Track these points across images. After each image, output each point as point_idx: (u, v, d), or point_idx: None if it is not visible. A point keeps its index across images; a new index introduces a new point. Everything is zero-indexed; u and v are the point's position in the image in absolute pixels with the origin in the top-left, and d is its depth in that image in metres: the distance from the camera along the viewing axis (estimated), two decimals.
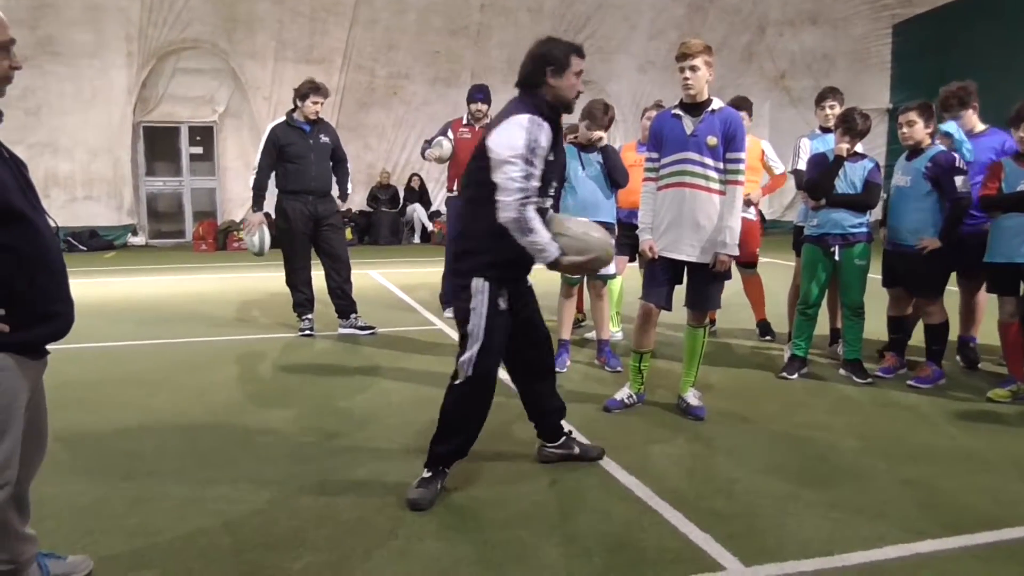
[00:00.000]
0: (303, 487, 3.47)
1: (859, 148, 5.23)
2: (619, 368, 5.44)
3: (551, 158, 3.29)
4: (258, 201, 6.60)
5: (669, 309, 4.52)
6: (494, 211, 3.18)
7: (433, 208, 16.53)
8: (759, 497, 3.36)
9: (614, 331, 6.34)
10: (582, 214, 5.32)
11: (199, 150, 16.04)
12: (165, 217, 16.33)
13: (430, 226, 16.07)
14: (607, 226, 5.43)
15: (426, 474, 3.38)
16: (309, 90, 6.55)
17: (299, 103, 6.58)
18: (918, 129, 5.09)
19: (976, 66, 14.22)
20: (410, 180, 16.43)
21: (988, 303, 5.41)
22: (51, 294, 2.31)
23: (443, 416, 3.43)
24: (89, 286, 9.59)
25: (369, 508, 3.25)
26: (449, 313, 7.38)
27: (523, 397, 3.76)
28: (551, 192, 3.40)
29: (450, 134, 7.34)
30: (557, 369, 5.28)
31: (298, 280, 6.67)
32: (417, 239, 16.21)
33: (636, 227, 5.99)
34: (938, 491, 3.44)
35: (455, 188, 7.38)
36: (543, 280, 7.82)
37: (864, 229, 5.20)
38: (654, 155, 4.45)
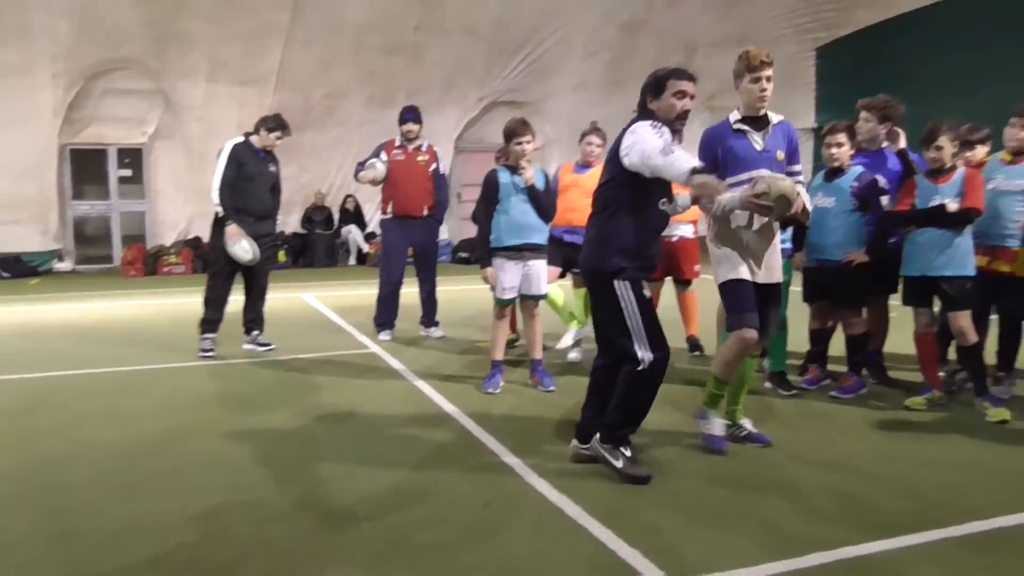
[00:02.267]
0: (237, 516, 3.42)
1: None
2: (553, 388, 5.47)
3: None
4: (230, 209, 6.49)
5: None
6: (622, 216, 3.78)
7: (369, 229, 16.45)
8: (688, 510, 3.43)
9: (574, 331, 6.42)
10: (514, 235, 5.40)
11: (128, 172, 15.70)
12: (92, 242, 15.89)
13: (366, 248, 15.98)
14: (537, 248, 5.49)
15: (627, 453, 3.81)
16: (278, 125, 6.70)
17: (263, 132, 6.64)
18: (845, 151, 5.28)
19: (895, 86, 14.76)
20: (345, 201, 16.33)
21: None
22: None
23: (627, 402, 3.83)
24: (13, 314, 9.29)
25: (303, 535, 3.22)
26: (384, 336, 7.37)
27: (592, 394, 4.08)
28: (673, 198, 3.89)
29: (383, 156, 7.36)
30: (490, 391, 5.36)
31: (217, 298, 6.65)
32: (353, 261, 16.09)
33: (571, 244, 6.14)
34: (861, 498, 3.55)
35: (389, 210, 7.38)
36: (478, 300, 7.88)
37: (786, 245, 5.35)
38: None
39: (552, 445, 4.34)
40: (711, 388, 4.32)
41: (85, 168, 15.49)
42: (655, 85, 3.85)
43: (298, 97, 16.07)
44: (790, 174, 4.14)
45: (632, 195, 3.80)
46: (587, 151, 6.29)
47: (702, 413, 4.36)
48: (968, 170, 4.96)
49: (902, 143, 5.40)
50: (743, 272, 4.14)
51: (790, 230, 5.36)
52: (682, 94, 3.78)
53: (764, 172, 3.95)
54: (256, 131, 6.69)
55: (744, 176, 4.08)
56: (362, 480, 3.82)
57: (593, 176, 6.13)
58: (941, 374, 5.31)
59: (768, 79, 4.09)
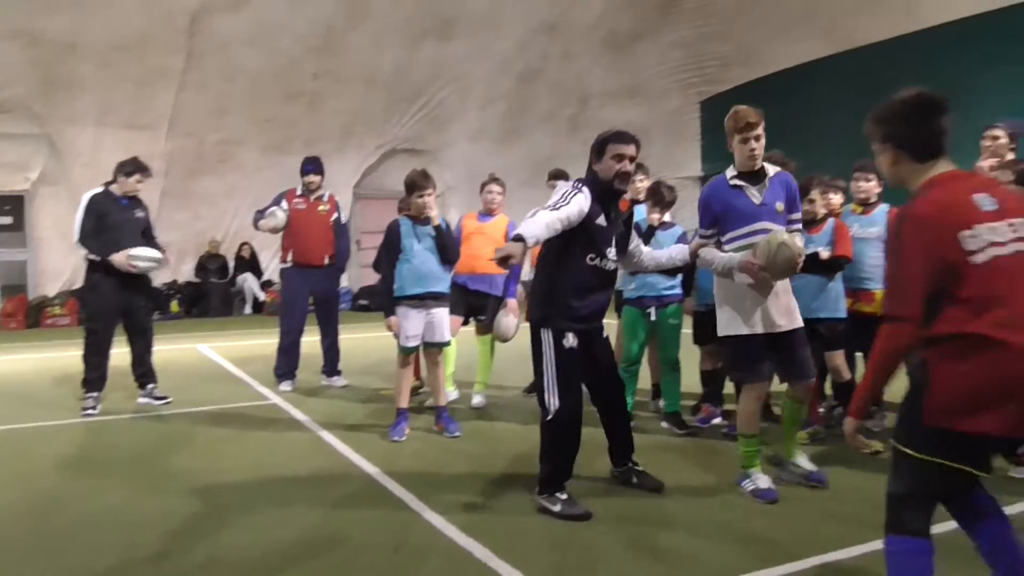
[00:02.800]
0: (142, 574, 3.36)
1: (667, 217, 5.71)
2: (458, 433, 5.56)
3: (600, 222, 4.05)
4: (103, 253, 6.33)
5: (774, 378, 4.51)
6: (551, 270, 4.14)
7: (265, 277, 16.20)
8: (591, 549, 3.57)
9: (451, 393, 6.50)
10: (417, 284, 5.51)
11: (8, 220, 15.01)
12: None
13: (262, 296, 15.72)
14: (440, 296, 5.61)
15: (563, 496, 4.01)
16: (136, 168, 6.56)
17: (122, 178, 6.51)
18: None
19: (774, 139, 15.78)
20: (240, 249, 16.04)
21: None
22: None
23: (548, 451, 4.12)
24: None
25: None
26: (286, 387, 7.30)
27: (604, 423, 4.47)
28: (608, 255, 4.14)
29: (284, 204, 7.36)
30: (396, 438, 5.42)
31: (97, 355, 6.48)
32: (249, 310, 15.77)
33: (475, 292, 6.29)
34: (751, 529, 3.78)
35: (290, 259, 7.38)
36: (380, 347, 7.88)
37: (677, 291, 5.66)
38: (710, 231, 4.34)
39: (459, 489, 4.43)
40: (741, 448, 4.37)
41: None
42: (597, 147, 4.13)
43: (191, 143, 15.81)
44: (790, 222, 4.31)
45: (556, 250, 4.10)
46: (488, 199, 6.49)
47: (740, 478, 4.37)
48: (837, 221, 5.39)
49: None
50: (745, 327, 4.21)
51: (679, 276, 5.68)
52: (620, 156, 4.05)
53: (768, 232, 4.14)
54: (114, 178, 6.55)
55: (746, 230, 4.21)
56: (271, 532, 3.81)
57: (496, 224, 6.39)
58: (820, 410, 5.68)
59: (757, 138, 4.18)
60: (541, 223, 3.77)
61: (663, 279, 5.59)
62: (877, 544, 2.65)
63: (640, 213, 6.13)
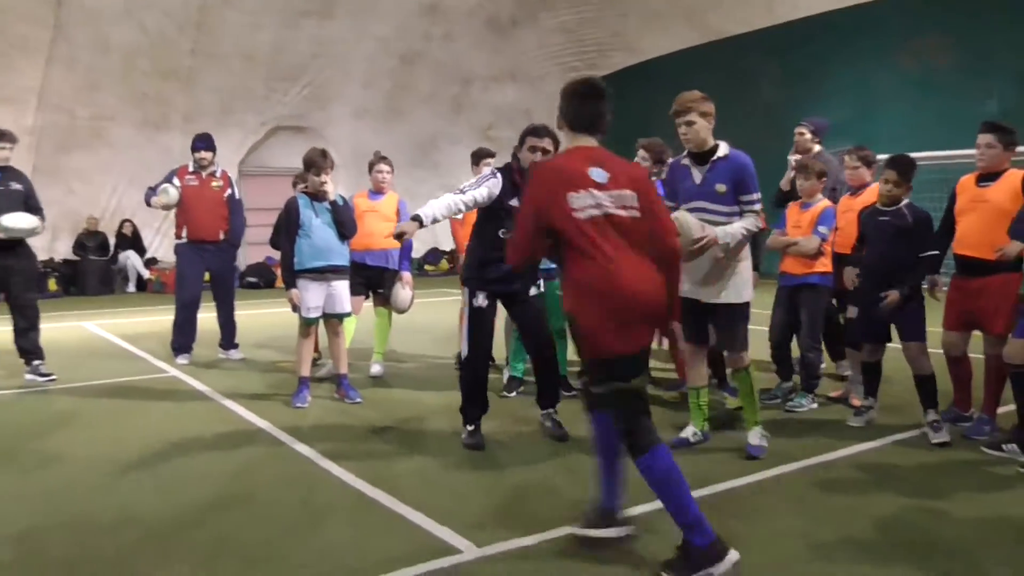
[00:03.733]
0: (55, 537, 3.53)
1: None
2: (359, 400, 5.84)
3: (513, 203, 4.53)
4: None
5: (707, 343, 4.73)
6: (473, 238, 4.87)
7: (149, 255, 15.82)
8: (480, 490, 3.96)
9: (374, 366, 6.82)
10: (317, 258, 5.75)
11: None
12: None
13: (146, 273, 15.37)
14: (339, 269, 5.87)
15: (470, 428, 4.79)
16: None
17: None
18: None
19: (650, 121, 16.51)
20: (121, 226, 15.61)
21: None
22: None
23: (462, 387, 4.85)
24: None
25: (132, 545, 3.40)
26: (182, 360, 7.38)
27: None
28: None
29: (176, 181, 7.40)
30: (299, 405, 5.67)
31: None
32: (132, 288, 15.39)
33: (373, 267, 6.57)
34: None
35: (183, 235, 7.43)
36: (274, 322, 8.01)
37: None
38: (671, 204, 4.48)
39: (361, 449, 4.75)
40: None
41: None
42: (521, 138, 4.70)
43: (62, 118, 15.24)
44: (740, 203, 4.42)
45: (478, 224, 4.88)
46: (378, 179, 6.75)
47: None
48: None
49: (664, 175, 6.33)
50: (685, 290, 4.40)
51: None
52: (534, 148, 4.60)
53: (703, 211, 4.41)
54: None
55: (685, 207, 4.46)
56: (181, 493, 4.02)
57: (387, 202, 6.69)
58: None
59: (687, 123, 4.35)
60: (441, 204, 4.59)
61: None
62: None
63: None
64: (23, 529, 3.58)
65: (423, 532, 3.50)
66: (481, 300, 4.76)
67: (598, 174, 3.15)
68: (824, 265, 5.58)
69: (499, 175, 4.76)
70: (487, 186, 4.68)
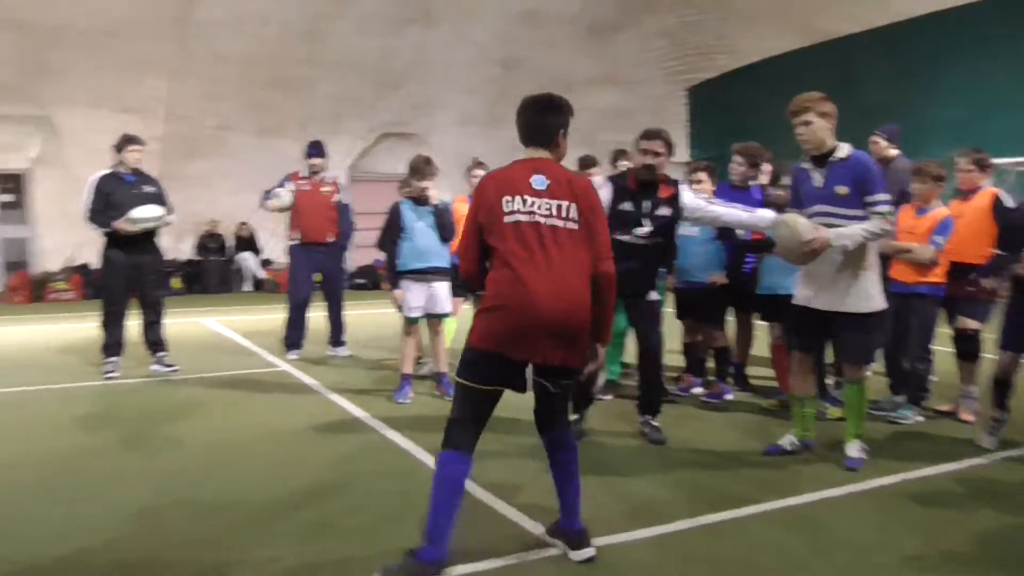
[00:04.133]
0: (170, 514, 3.82)
1: None
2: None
3: (624, 207, 4.88)
4: (108, 223, 6.73)
5: (819, 353, 4.73)
6: None
7: (264, 256, 16.59)
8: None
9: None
10: (418, 260, 5.97)
11: (11, 198, 15.33)
12: None
13: (262, 274, 16.12)
14: (440, 271, 6.07)
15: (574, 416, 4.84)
16: (124, 142, 6.96)
17: (118, 156, 6.91)
18: (706, 187, 6.09)
19: (754, 126, 16.23)
20: (239, 228, 16.46)
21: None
22: None
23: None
24: None
25: (236, 526, 3.65)
26: (293, 355, 7.76)
27: None
28: (635, 232, 4.85)
29: (289, 185, 7.78)
30: (400, 401, 5.89)
31: (112, 323, 6.91)
32: (249, 287, 16.20)
33: None
34: (713, 477, 4.29)
35: (296, 237, 7.82)
36: (380, 322, 8.26)
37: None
38: (793, 211, 4.48)
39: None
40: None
41: None
42: (633, 144, 5.03)
43: (186, 127, 16.15)
44: (867, 205, 4.25)
45: None
46: (475, 183, 6.91)
47: None
48: None
49: (763, 179, 6.28)
50: (799, 297, 4.54)
51: None
52: (645, 151, 4.89)
53: (824, 215, 4.32)
54: (117, 160, 6.93)
55: (806, 212, 4.39)
56: (285, 480, 4.26)
57: None
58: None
59: (805, 123, 4.28)
60: None
61: None
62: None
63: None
64: (144, 506, 3.88)
65: (515, 525, 3.62)
66: None
67: (538, 181, 3.16)
68: (937, 275, 5.38)
69: (609, 183, 5.02)
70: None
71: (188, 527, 3.64)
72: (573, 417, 4.87)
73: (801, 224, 4.24)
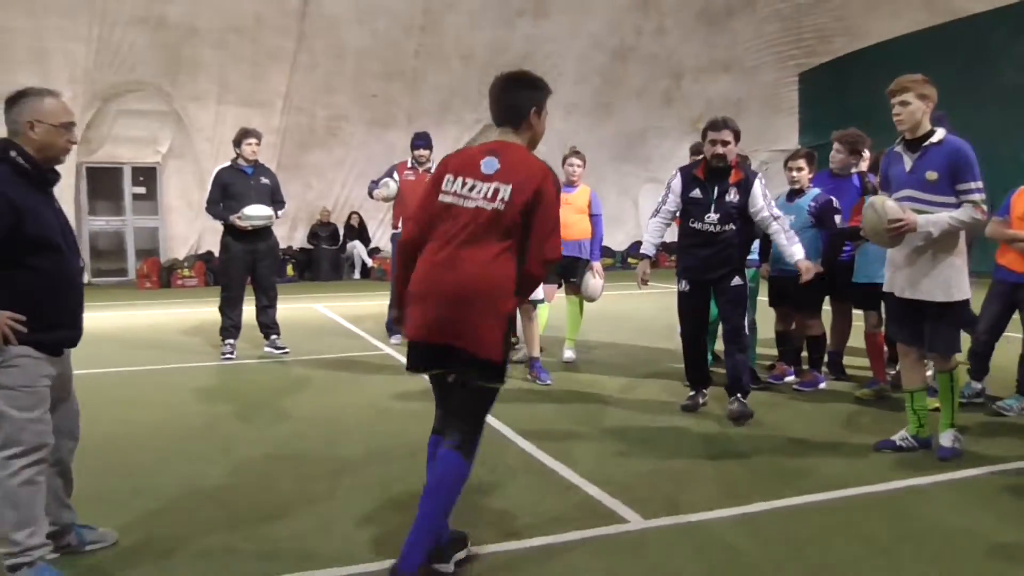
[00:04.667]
0: (280, 471, 4.14)
1: None
2: (549, 381, 6.19)
3: (695, 195, 5.22)
4: (224, 216, 7.26)
5: (922, 344, 4.41)
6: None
7: (373, 245, 17.17)
8: (657, 466, 4.14)
9: (569, 353, 7.14)
10: None
11: (142, 190, 16.44)
12: (107, 256, 16.60)
13: (370, 262, 16.70)
14: None
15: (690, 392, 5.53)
16: (241, 136, 7.43)
17: (237, 149, 7.38)
18: (804, 175, 6.03)
19: (870, 111, 15.63)
20: (349, 218, 17.08)
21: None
22: (68, 310, 3.01)
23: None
24: None
25: (342, 487, 3.92)
26: (395, 339, 8.08)
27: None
28: (707, 219, 5.15)
29: (396, 176, 8.09)
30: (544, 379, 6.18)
31: (230, 307, 7.38)
32: (357, 275, 16.81)
33: (566, 257, 6.86)
34: (800, 462, 4.28)
35: (399, 226, 8.12)
36: None
37: (754, 256, 6.10)
38: (883, 194, 4.43)
39: (547, 422, 5.09)
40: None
41: (100, 185, 16.22)
42: (702, 133, 5.29)
43: (303, 119, 16.88)
44: (959, 193, 4.13)
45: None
46: (570, 171, 7.03)
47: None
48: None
49: (863, 166, 6.15)
50: (886, 284, 4.51)
51: (757, 243, 6.12)
52: (713, 141, 5.13)
53: (911, 199, 4.21)
54: (236, 153, 7.42)
55: (895, 196, 4.29)
56: (388, 450, 4.55)
57: (579, 194, 6.96)
58: (890, 372, 6.05)
59: (902, 103, 4.19)
60: (652, 233, 5.53)
61: None
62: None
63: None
64: (257, 467, 4.26)
65: (594, 501, 3.74)
66: (683, 286, 5.33)
67: (489, 164, 3.00)
68: None
69: (679, 173, 5.34)
70: (669, 189, 5.38)
71: (293, 485, 3.97)
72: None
73: (888, 206, 4.17)
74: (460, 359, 2.95)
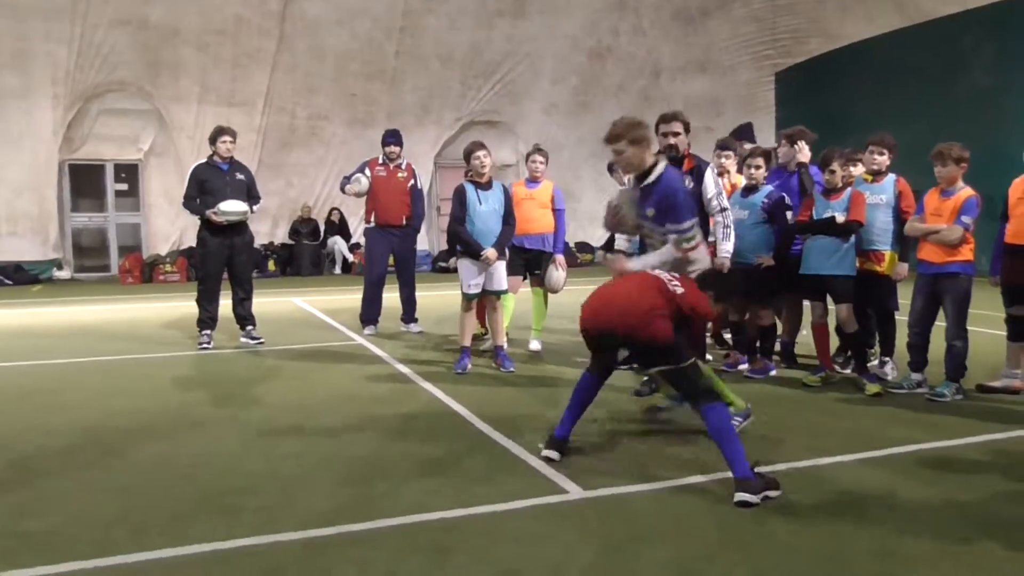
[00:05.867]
0: (251, 455, 4.40)
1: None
2: (512, 369, 6.45)
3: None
4: (200, 211, 7.49)
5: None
6: None
7: (353, 240, 17.41)
8: (600, 441, 4.42)
9: (535, 343, 7.41)
10: (480, 240, 6.39)
11: (124, 187, 16.63)
12: (89, 252, 16.79)
13: (351, 257, 16.95)
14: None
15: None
16: (217, 133, 7.66)
17: (212, 147, 7.61)
18: (761, 172, 6.33)
19: (845, 111, 16.03)
20: (330, 214, 17.31)
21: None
22: None
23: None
24: (18, 316, 10.16)
25: (307, 466, 4.18)
26: (369, 331, 8.35)
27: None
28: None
29: (367, 171, 8.35)
30: (459, 371, 6.35)
31: (207, 300, 7.64)
32: (338, 270, 17.06)
33: (531, 250, 7.16)
34: (743, 440, 4.56)
35: (372, 220, 8.39)
36: (454, 303, 8.66)
37: None
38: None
39: (507, 405, 5.37)
40: None
41: (84, 183, 16.41)
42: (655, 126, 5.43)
43: (284, 118, 17.10)
44: (669, 232, 4.51)
45: None
46: (533, 168, 7.33)
47: None
48: (854, 190, 5.99)
49: (801, 158, 6.49)
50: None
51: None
52: (665, 133, 5.40)
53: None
54: (212, 150, 7.64)
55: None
56: (355, 432, 4.79)
57: (543, 190, 7.26)
58: (839, 359, 6.37)
59: (616, 153, 4.61)
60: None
61: None
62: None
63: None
64: (227, 449, 4.49)
65: (541, 476, 4.01)
66: None
67: None
68: (965, 254, 5.50)
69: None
70: (626, 182, 5.41)
71: (261, 464, 4.21)
72: None
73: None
74: None
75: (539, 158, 7.32)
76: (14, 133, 15.24)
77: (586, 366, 4.39)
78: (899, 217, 5.99)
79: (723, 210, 5.51)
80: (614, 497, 3.73)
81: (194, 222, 7.69)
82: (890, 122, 12.83)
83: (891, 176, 6.11)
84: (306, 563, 3.03)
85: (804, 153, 6.58)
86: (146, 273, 15.35)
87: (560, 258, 7.13)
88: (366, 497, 3.73)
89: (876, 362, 6.33)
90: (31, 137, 15.41)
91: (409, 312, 8.56)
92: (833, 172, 5.96)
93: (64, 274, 15.93)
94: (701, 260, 4.65)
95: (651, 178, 4.57)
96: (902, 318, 6.03)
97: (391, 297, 8.60)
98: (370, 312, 8.45)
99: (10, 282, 14.81)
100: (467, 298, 6.51)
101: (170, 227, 16.55)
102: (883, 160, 6.12)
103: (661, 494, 3.76)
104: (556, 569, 2.97)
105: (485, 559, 3.05)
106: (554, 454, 4.16)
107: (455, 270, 6.62)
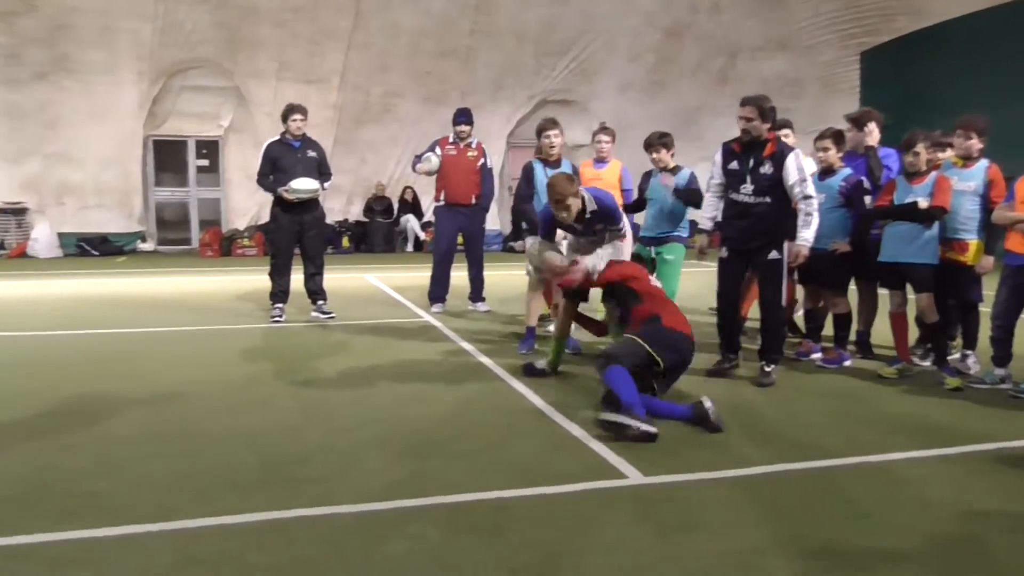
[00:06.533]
0: (311, 426, 4.46)
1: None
2: (578, 348, 6.40)
3: (732, 167, 5.53)
4: (272, 188, 7.61)
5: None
6: None
7: (426, 219, 17.54)
8: (667, 433, 4.34)
9: None
10: None
11: (205, 162, 17.10)
12: (171, 225, 17.33)
13: (423, 235, 17.09)
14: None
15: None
16: (288, 111, 7.72)
17: (284, 125, 7.69)
18: (832, 154, 6.11)
19: (936, 90, 15.36)
20: (404, 192, 17.46)
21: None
22: None
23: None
24: (105, 285, 10.52)
25: (363, 444, 4.20)
26: (437, 308, 8.40)
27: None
28: (742, 190, 5.48)
29: (438, 150, 8.37)
30: (523, 351, 6.32)
31: (279, 274, 7.76)
32: (410, 248, 17.23)
33: None
34: (812, 431, 4.44)
35: (442, 198, 8.41)
36: (523, 283, 8.65)
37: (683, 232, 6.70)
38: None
39: (569, 388, 5.32)
40: None
41: (166, 158, 16.92)
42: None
43: (359, 96, 17.26)
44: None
45: None
46: (599, 148, 7.20)
47: None
48: (939, 175, 5.69)
49: (870, 141, 6.23)
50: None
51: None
52: (740, 117, 5.42)
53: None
54: (284, 128, 7.71)
55: None
56: (415, 409, 4.83)
57: (610, 170, 7.13)
58: (918, 351, 6.12)
59: (565, 209, 5.40)
60: (707, 207, 5.85)
61: (664, 221, 6.70)
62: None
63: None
64: (288, 424, 4.56)
65: (600, 459, 3.96)
66: (723, 252, 5.67)
67: None
68: None
69: (721, 147, 5.63)
70: (714, 163, 5.71)
71: (320, 436, 4.27)
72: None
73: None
74: None
75: (605, 137, 7.20)
76: (100, 108, 15.76)
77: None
78: (987, 206, 5.63)
79: (806, 197, 5.35)
80: (674, 484, 3.66)
81: (270, 198, 7.82)
82: (982, 104, 12.26)
83: (983, 162, 5.76)
84: (359, 535, 3.06)
85: (874, 136, 6.30)
86: (225, 247, 15.77)
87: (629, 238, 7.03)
88: (421, 473, 3.74)
89: (957, 355, 6.06)
90: (116, 112, 15.91)
91: (477, 291, 8.57)
92: (917, 154, 5.68)
93: (148, 246, 16.49)
94: None
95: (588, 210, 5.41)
96: (986, 310, 5.75)
97: (459, 276, 8.63)
98: (438, 290, 8.50)
99: (96, 253, 15.40)
100: (534, 278, 6.46)
101: (248, 202, 16.93)
102: (972, 144, 5.78)
103: (723, 484, 3.67)
104: (607, 553, 2.92)
105: (536, 540, 3.03)
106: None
107: (523, 251, 6.58)
